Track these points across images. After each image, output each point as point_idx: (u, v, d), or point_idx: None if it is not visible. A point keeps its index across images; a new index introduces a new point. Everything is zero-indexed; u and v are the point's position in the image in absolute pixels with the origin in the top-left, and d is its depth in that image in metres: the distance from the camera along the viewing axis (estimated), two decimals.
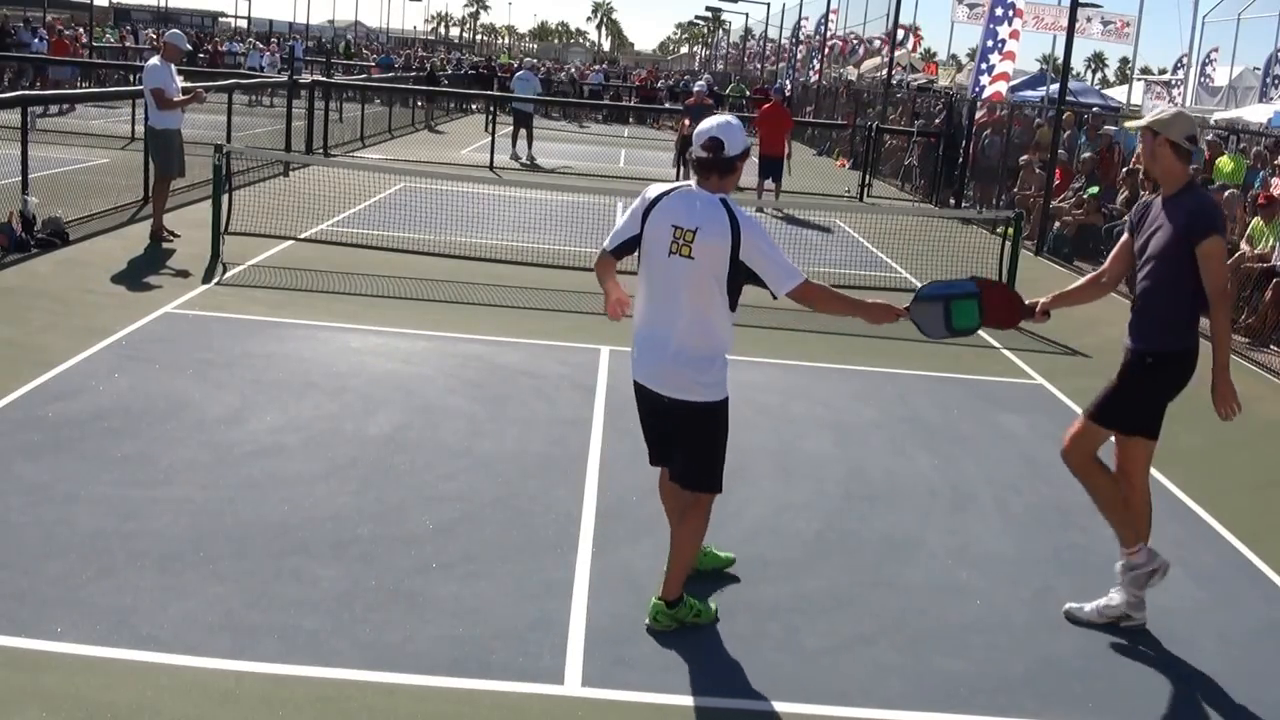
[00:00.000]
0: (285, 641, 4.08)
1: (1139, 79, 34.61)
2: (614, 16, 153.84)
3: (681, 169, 18.11)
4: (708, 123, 4.17)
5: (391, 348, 7.99)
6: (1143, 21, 30.33)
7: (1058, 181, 15.79)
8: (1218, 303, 4.53)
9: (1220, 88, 28.80)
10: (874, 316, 4.30)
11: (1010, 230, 11.09)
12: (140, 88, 11.55)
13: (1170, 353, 4.73)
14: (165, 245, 10.71)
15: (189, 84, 12.36)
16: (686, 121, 17.76)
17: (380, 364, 7.59)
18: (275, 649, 4.03)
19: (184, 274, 9.68)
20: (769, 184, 17.09)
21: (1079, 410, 7.92)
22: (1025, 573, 5.27)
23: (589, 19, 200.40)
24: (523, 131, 21.93)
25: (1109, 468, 4.86)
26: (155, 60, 10.95)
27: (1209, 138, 17.53)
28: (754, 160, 22.85)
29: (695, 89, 20.41)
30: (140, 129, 13.17)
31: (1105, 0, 32.09)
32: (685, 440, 4.34)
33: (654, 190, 4.26)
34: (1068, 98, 17.82)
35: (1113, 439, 4.87)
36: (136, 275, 9.54)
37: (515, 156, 21.47)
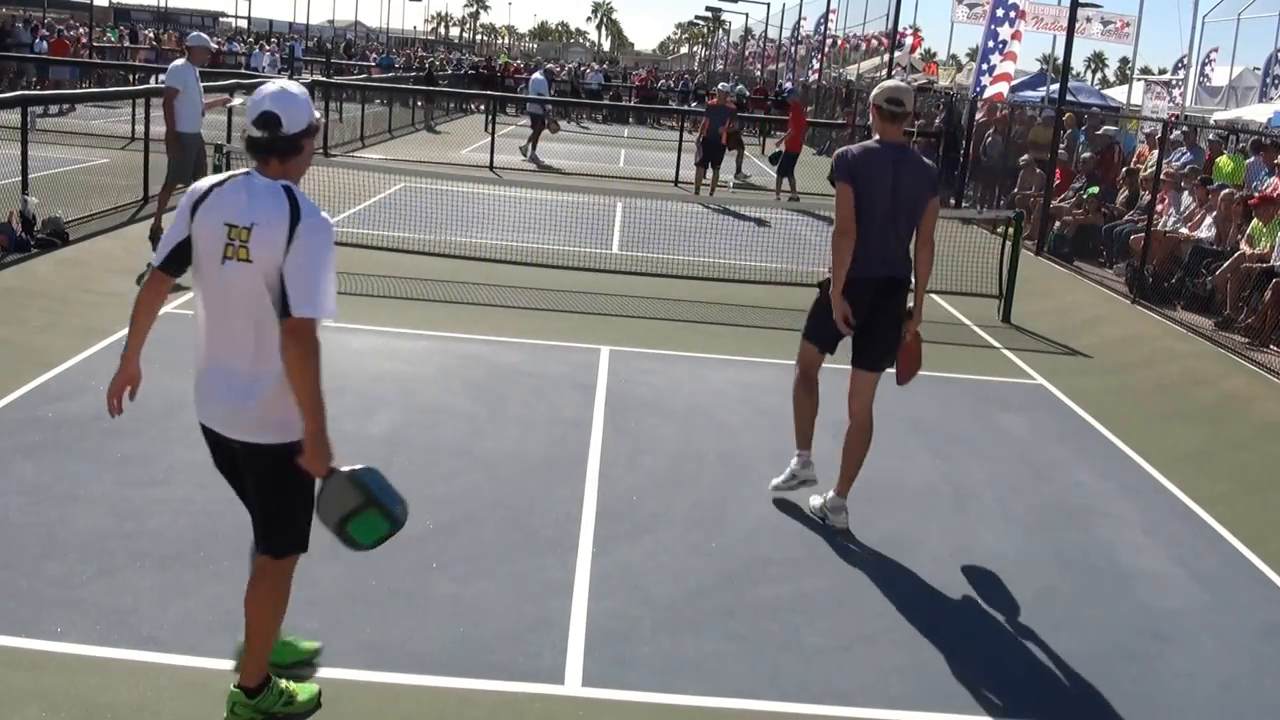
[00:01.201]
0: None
1: (1139, 79, 34.53)
2: (614, 16, 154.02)
3: (704, 170, 18.15)
4: (261, 93, 3.37)
5: (391, 348, 7.99)
6: (1143, 21, 30.30)
7: (1058, 181, 15.78)
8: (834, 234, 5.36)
9: (1220, 88, 28.76)
10: (313, 439, 3.27)
11: (1010, 230, 11.09)
12: (141, 88, 11.55)
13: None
14: None
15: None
16: (707, 123, 17.95)
17: (380, 364, 7.59)
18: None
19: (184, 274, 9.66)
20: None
21: (1080, 411, 7.98)
22: (1026, 573, 5.26)
23: (589, 19, 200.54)
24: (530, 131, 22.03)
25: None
26: (180, 62, 10.97)
27: (1210, 137, 17.51)
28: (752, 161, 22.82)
29: (717, 89, 20.46)
30: (140, 129, 13.17)
31: (1105, 0, 32.07)
32: (258, 491, 3.48)
33: (206, 181, 3.45)
34: (1068, 98, 17.81)
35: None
36: (136, 275, 9.53)
37: (533, 158, 21.43)
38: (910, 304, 5.58)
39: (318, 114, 3.43)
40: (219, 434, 3.46)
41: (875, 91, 5.45)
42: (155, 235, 10.91)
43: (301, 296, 3.21)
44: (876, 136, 5.40)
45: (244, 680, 3.59)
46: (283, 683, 3.67)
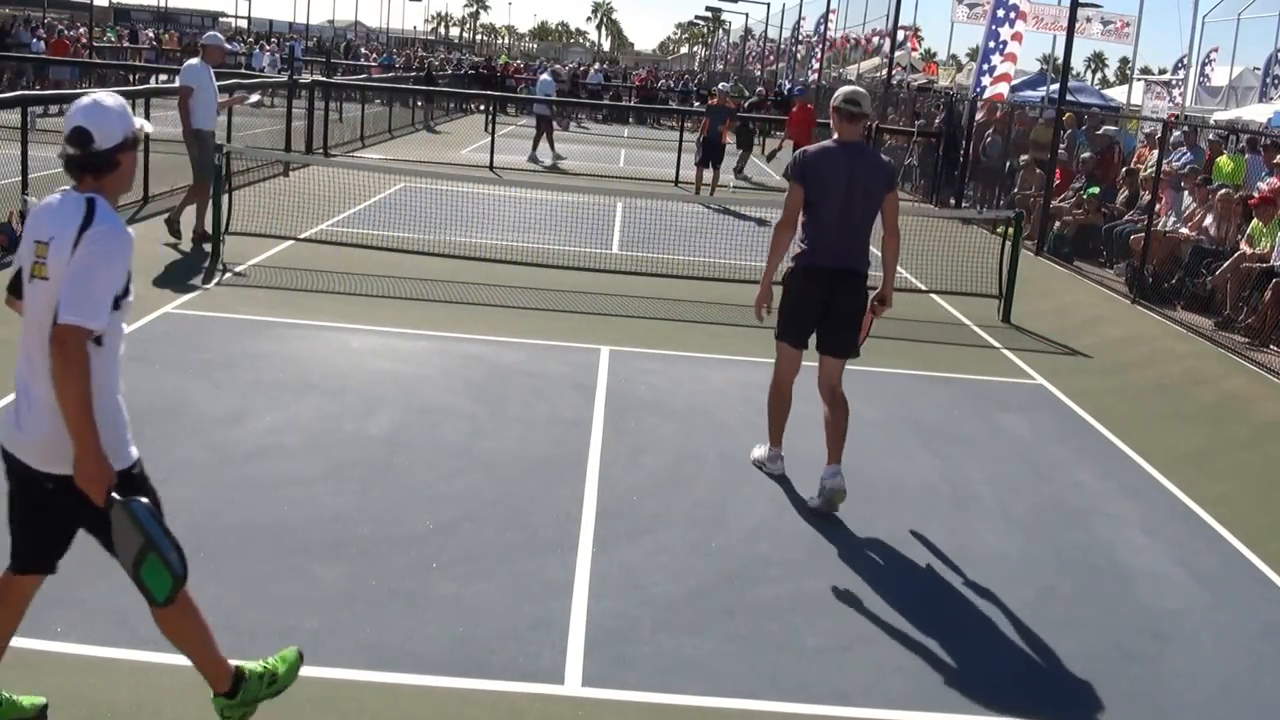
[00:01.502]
0: (285, 641, 4.06)
1: (1139, 79, 34.52)
2: (614, 16, 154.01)
3: (704, 170, 18.18)
4: (74, 107, 3.18)
5: (391, 348, 7.99)
6: (1143, 21, 30.26)
7: (1058, 181, 15.79)
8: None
9: (1220, 88, 28.77)
10: (81, 464, 3.03)
11: (1010, 230, 11.09)
12: (141, 88, 11.57)
13: None
14: (166, 245, 10.70)
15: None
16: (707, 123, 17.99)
17: (380, 364, 7.59)
18: (275, 649, 4.02)
19: (184, 274, 9.68)
20: None
21: (1080, 411, 7.98)
22: (1026, 573, 5.26)
23: (589, 19, 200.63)
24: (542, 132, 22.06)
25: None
26: (194, 61, 11.03)
27: (1210, 137, 17.52)
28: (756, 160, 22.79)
29: (718, 89, 20.47)
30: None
31: (1105, 0, 32.06)
32: (95, 530, 3.25)
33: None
34: (1068, 98, 17.81)
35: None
36: (136, 275, 9.52)
37: (533, 158, 21.42)
38: (878, 291, 5.93)
39: (139, 123, 3.22)
40: (23, 461, 3.19)
41: (835, 95, 5.78)
42: (174, 227, 10.92)
43: (70, 302, 2.99)
44: (835, 136, 5.72)
45: (217, 688, 3.47)
46: (258, 666, 3.55)
